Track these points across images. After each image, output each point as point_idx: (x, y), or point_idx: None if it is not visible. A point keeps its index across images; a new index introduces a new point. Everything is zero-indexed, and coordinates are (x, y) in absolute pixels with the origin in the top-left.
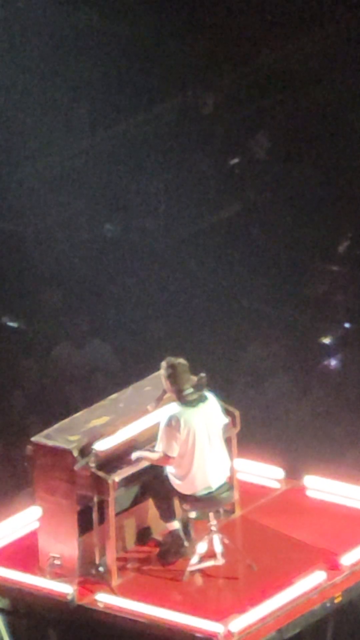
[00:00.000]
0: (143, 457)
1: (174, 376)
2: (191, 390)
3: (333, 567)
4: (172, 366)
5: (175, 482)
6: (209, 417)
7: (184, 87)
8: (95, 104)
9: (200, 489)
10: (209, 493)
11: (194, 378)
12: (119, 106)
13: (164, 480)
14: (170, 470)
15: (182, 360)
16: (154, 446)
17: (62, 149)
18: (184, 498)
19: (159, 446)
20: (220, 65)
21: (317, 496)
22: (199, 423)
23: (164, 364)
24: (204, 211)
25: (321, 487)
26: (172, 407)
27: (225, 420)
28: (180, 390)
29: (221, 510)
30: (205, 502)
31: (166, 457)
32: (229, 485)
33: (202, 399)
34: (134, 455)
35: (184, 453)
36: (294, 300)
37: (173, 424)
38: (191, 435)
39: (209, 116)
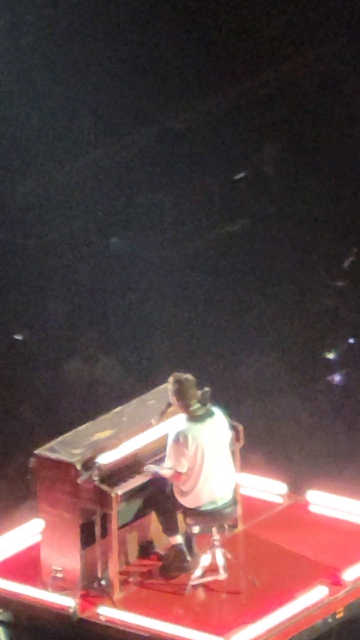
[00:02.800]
0: (155, 472)
1: (181, 391)
2: (198, 405)
3: (335, 582)
4: (179, 382)
5: (180, 497)
6: (216, 432)
7: (189, 101)
8: (100, 117)
9: (205, 503)
10: (214, 508)
11: (200, 393)
12: (124, 120)
13: (168, 494)
14: (175, 487)
15: (189, 376)
16: (159, 459)
17: (67, 162)
18: (187, 512)
19: (168, 462)
20: (227, 79)
21: (320, 511)
22: (207, 438)
23: (171, 379)
24: (209, 225)
25: (324, 502)
26: (180, 423)
27: (231, 434)
28: (187, 405)
29: (225, 526)
30: (209, 516)
31: (177, 474)
32: (234, 500)
33: (210, 414)
34: (146, 469)
35: (192, 468)
36: (299, 315)
37: (181, 441)
38: (199, 450)
39: (214, 130)
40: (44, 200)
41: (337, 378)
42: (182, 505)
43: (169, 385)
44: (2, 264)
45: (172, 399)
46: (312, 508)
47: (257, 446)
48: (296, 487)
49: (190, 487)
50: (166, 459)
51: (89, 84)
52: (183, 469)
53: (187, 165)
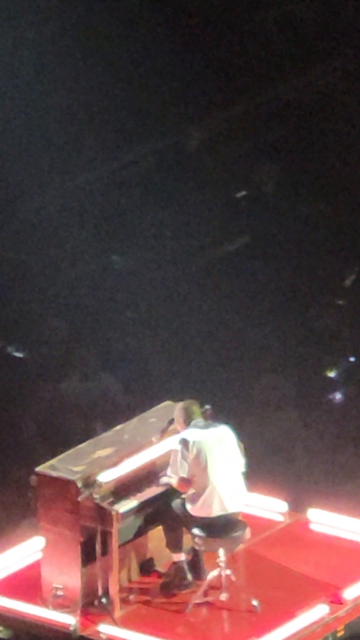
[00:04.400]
0: (168, 483)
1: (185, 412)
2: (201, 418)
3: (336, 600)
4: (181, 404)
5: (191, 506)
6: (222, 441)
7: (190, 120)
8: (100, 136)
9: (214, 511)
10: (223, 517)
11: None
12: (124, 138)
13: (175, 511)
14: (187, 496)
15: (193, 401)
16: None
17: (68, 180)
18: (197, 524)
19: (170, 470)
20: (228, 98)
21: (320, 529)
22: (210, 443)
23: (175, 405)
24: (209, 244)
25: (325, 520)
26: (181, 433)
27: (240, 449)
28: (190, 421)
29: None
30: (219, 539)
31: (182, 481)
32: (244, 523)
33: (213, 425)
34: (162, 480)
35: (196, 472)
36: (300, 334)
37: (182, 446)
38: (202, 454)
39: (215, 149)
40: (44, 218)
41: (338, 396)
42: (191, 522)
43: (175, 412)
44: (2, 281)
45: (177, 423)
46: (313, 526)
47: (258, 464)
48: (297, 506)
49: (198, 493)
50: (169, 467)
51: (90, 102)
52: (187, 474)
53: (187, 184)
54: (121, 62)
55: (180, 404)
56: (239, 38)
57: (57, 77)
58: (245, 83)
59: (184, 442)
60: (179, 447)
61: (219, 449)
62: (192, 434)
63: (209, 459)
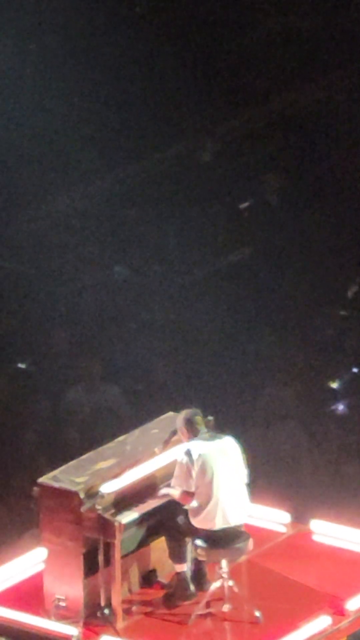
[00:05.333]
0: (169, 494)
1: (188, 422)
2: (205, 430)
3: (338, 612)
4: (184, 414)
5: (194, 519)
6: (226, 453)
7: (193, 131)
8: (103, 146)
9: (217, 524)
10: (225, 530)
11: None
12: (127, 149)
13: (179, 521)
14: (190, 508)
15: (191, 409)
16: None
17: (70, 191)
18: (199, 539)
19: (174, 482)
20: (231, 108)
21: (323, 541)
22: (215, 455)
23: (178, 415)
24: (213, 254)
25: (327, 531)
26: (186, 444)
27: (244, 461)
28: (195, 432)
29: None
30: (222, 550)
31: (185, 495)
32: (247, 534)
33: (218, 436)
34: (162, 491)
35: (200, 485)
36: (303, 344)
37: (186, 458)
38: (208, 467)
39: (218, 160)
40: (46, 229)
41: (340, 407)
42: (194, 533)
43: (177, 423)
44: (4, 292)
45: (181, 432)
46: (316, 537)
47: (260, 475)
48: (299, 517)
49: (202, 505)
50: (173, 479)
51: (92, 113)
52: (191, 487)
53: (190, 195)
54: (124, 74)
55: (183, 414)
56: (242, 50)
57: (59, 89)
58: (248, 95)
59: (189, 455)
60: (183, 459)
61: (224, 461)
62: (197, 446)
63: (214, 472)
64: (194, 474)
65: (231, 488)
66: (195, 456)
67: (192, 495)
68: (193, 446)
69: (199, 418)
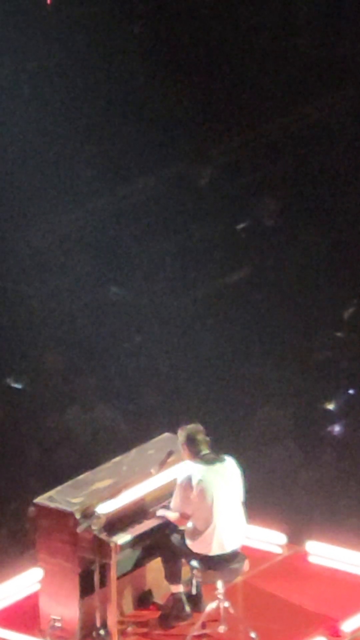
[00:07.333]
0: (165, 516)
1: (189, 439)
2: (208, 451)
3: (334, 633)
4: (185, 429)
5: (190, 542)
6: (226, 478)
7: (191, 151)
8: (101, 167)
9: (213, 550)
10: (222, 554)
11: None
12: (124, 169)
13: (174, 542)
14: (187, 529)
15: (195, 424)
16: (167, 505)
17: (67, 211)
18: (195, 560)
19: (172, 503)
20: (229, 130)
21: (319, 562)
22: (216, 481)
23: (180, 431)
24: (209, 275)
25: (323, 553)
26: (188, 466)
27: (242, 484)
28: (198, 451)
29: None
30: (217, 572)
31: (182, 516)
32: (243, 555)
33: (220, 459)
34: (158, 512)
35: (198, 509)
36: (299, 365)
37: (185, 482)
38: (207, 492)
39: (215, 181)
40: (45, 249)
41: (337, 429)
42: (189, 555)
43: (178, 438)
44: (2, 312)
45: (182, 449)
46: (311, 559)
47: (256, 496)
48: (295, 538)
49: (200, 531)
50: (172, 500)
51: (92, 133)
52: (188, 510)
53: (188, 215)
54: (123, 95)
55: (185, 431)
56: (240, 71)
57: (58, 110)
58: (246, 116)
59: (189, 480)
60: (183, 482)
61: (223, 486)
62: (197, 470)
63: (213, 498)
64: (192, 497)
65: (229, 514)
66: (195, 481)
67: (188, 518)
68: (194, 470)
69: (201, 437)
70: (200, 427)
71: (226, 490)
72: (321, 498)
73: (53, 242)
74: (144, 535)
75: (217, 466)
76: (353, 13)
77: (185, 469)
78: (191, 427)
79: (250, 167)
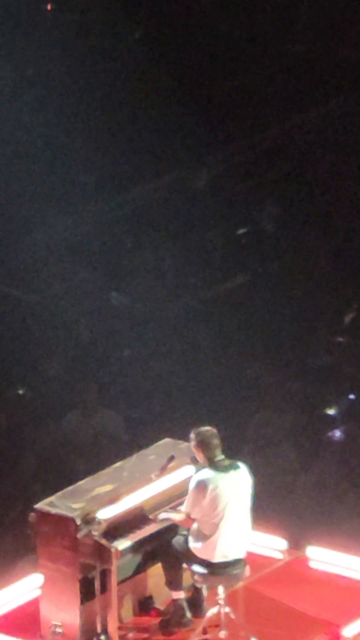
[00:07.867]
0: (168, 518)
1: (204, 443)
2: (222, 457)
3: (335, 638)
4: (200, 433)
5: (194, 545)
6: (239, 485)
7: (191, 157)
8: (101, 173)
9: (216, 557)
10: (224, 562)
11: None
12: (125, 175)
13: (175, 548)
14: (192, 530)
15: (209, 427)
16: (171, 508)
17: (67, 217)
18: (195, 564)
19: (184, 506)
20: (229, 135)
21: (319, 567)
22: (229, 489)
23: (192, 434)
24: (209, 281)
25: (324, 558)
26: (203, 471)
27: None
28: (212, 456)
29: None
30: (218, 577)
31: (188, 519)
32: (244, 561)
33: (235, 466)
34: (161, 516)
35: (207, 515)
36: (299, 371)
37: (200, 487)
38: (220, 500)
39: (215, 186)
40: (44, 255)
41: (337, 434)
42: (191, 558)
43: (191, 441)
44: (3, 318)
45: (196, 452)
46: (312, 564)
47: (257, 502)
48: (296, 543)
49: (207, 536)
50: (185, 503)
51: (91, 139)
52: (197, 515)
53: (188, 221)
54: (121, 100)
55: (199, 435)
56: (238, 78)
57: (57, 114)
58: (245, 122)
59: (203, 486)
60: (197, 486)
61: (236, 494)
62: (212, 477)
63: (225, 508)
64: (204, 503)
65: (237, 523)
66: (210, 488)
67: (193, 521)
68: (207, 476)
69: (216, 442)
70: (214, 430)
71: (238, 499)
72: (322, 503)
73: (54, 249)
74: (145, 541)
75: (232, 474)
76: (353, 19)
77: (200, 473)
78: (205, 430)
79: (250, 172)
